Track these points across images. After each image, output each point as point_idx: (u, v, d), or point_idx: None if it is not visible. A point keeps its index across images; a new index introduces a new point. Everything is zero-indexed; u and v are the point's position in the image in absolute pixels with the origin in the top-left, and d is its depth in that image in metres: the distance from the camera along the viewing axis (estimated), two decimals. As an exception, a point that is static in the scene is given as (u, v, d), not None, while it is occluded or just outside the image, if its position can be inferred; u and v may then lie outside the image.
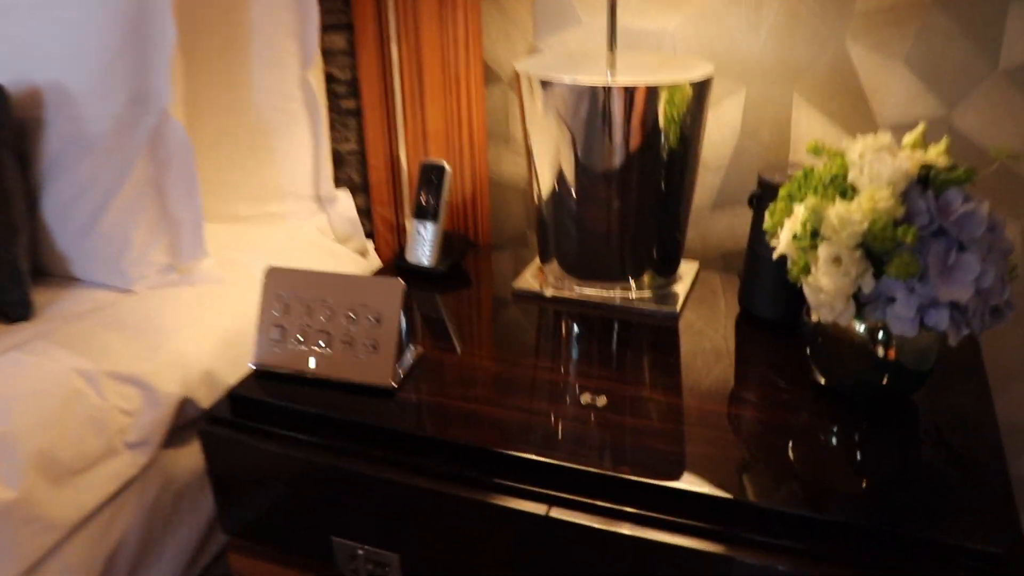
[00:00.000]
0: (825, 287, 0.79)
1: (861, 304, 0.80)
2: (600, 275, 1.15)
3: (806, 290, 0.83)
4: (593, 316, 1.13)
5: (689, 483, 0.78)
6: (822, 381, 0.91)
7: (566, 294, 1.16)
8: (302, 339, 0.97)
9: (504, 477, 0.83)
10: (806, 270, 0.81)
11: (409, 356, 0.99)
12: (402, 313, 0.95)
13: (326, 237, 1.42)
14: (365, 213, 1.54)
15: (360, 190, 1.51)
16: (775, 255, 0.87)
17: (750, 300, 1.07)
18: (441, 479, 0.85)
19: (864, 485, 0.78)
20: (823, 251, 0.78)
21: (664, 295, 1.15)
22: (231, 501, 0.99)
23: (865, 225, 0.75)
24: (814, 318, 0.88)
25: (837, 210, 0.76)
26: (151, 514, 1.02)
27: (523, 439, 0.85)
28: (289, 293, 0.99)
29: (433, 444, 0.87)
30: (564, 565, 0.81)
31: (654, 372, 0.98)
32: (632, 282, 1.14)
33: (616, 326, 1.10)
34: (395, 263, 1.28)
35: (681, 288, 1.17)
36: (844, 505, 0.75)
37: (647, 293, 1.15)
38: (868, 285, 0.77)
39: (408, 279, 1.24)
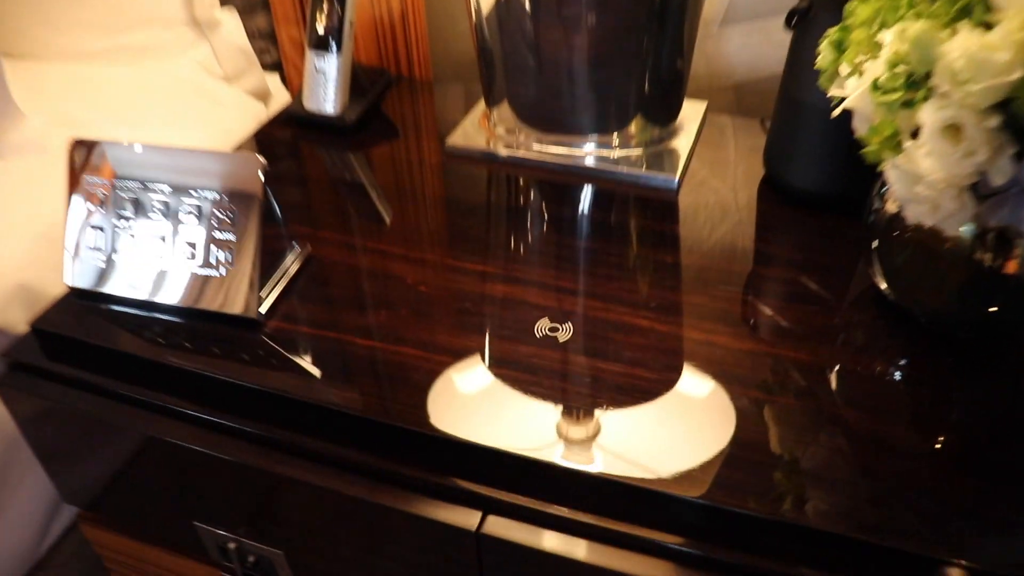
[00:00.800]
0: (928, 173, 0.47)
1: (980, 197, 0.49)
2: (569, 125, 0.82)
3: (891, 175, 0.51)
4: (558, 186, 0.81)
5: (683, 485, 0.50)
6: (884, 286, 0.61)
7: (521, 154, 0.84)
8: (130, 248, 0.66)
9: (416, 468, 0.55)
10: (893, 143, 0.50)
11: (284, 266, 0.69)
12: (264, 204, 0.63)
13: (210, 75, 1.06)
14: (270, 37, 1.18)
15: (260, 6, 1.15)
16: (836, 111, 0.55)
17: (781, 163, 0.75)
18: (320, 466, 0.57)
19: (951, 482, 0.50)
20: (931, 114, 0.46)
21: (659, 154, 0.82)
22: (59, 468, 0.72)
23: (1018, 73, 0.42)
24: (891, 207, 0.57)
25: (963, 44, 0.43)
26: (-34, 479, 0.76)
27: (441, 404, 0.56)
28: (105, 179, 0.67)
29: (307, 411, 0.58)
30: (508, 595, 0.55)
31: (643, 278, 0.68)
32: (614, 135, 0.82)
33: (590, 202, 0.79)
34: (289, 112, 0.94)
35: (683, 142, 0.84)
36: (917, 527, 0.48)
37: (635, 151, 0.82)
38: (1002, 173, 0.46)
39: (307, 133, 0.92)
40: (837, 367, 0.58)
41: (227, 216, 0.63)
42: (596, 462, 0.52)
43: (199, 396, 0.61)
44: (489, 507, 0.53)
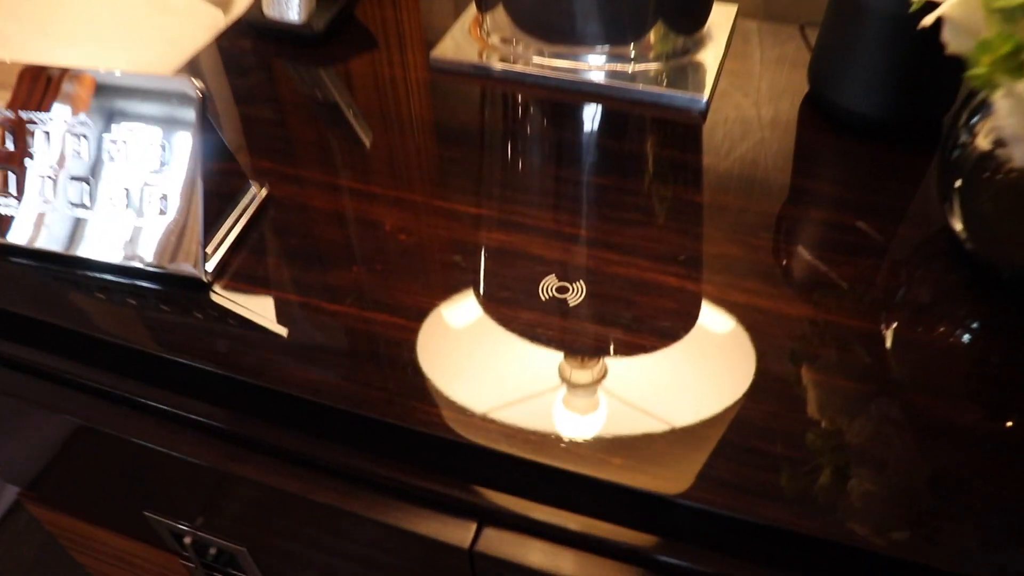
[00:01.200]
0: (1060, 105, 0.36)
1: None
2: (575, 33, 0.69)
3: (1003, 105, 0.40)
4: (564, 108, 0.69)
5: (720, 492, 0.40)
6: (960, 230, 0.51)
7: (519, 68, 0.71)
8: (47, 192, 0.55)
9: (395, 468, 0.45)
10: (1013, 64, 0.38)
11: (237, 210, 0.57)
12: (205, 136, 0.52)
13: (157, -26, 0.92)
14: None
15: None
16: (928, 19, 0.43)
17: (831, 80, 0.63)
18: (280, 463, 0.47)
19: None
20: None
21: (682, 68, 0.70)
22: (-12, 447, 0.62)
23: None
24: (983, 143, 0.46)
25: None
26: None
27: (427, 390, 0.46)
28: (12, 110, 0.55)
29: (263, 397, 0.48)
30: (509, 617, 0.46)
31: (667, 222, 0.57)
32: (630, 46, 0.69)
33: (601, 127, 0.67)
34: (247, 21, 0.80)
35: (711, 54, 0.71)
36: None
37: (654, 65, 0.70)
38: None
39: (268, 45, 0.78)
40: (897, 332, 0.48)
41: (160, 152, 0.52)
42: (620, 466, 0.42)
43: (133, 374, 0.51)
44: (485, 518, 0.44)
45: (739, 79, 0.70)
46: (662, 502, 0.40)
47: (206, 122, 0.51)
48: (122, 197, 0.53)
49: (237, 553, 0.57)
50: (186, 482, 0.53)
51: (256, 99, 0.71)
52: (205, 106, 0.50)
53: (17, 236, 0.55)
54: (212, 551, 0.59)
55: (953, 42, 0.42)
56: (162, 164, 0.52)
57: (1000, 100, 0.40)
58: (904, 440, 0.42)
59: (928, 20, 0.42)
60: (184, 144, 0.51)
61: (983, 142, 0.46)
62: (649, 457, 0.42)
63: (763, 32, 0.77)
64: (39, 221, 0.54)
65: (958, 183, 0.49)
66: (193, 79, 0.50)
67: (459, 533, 0.43)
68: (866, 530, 0.38)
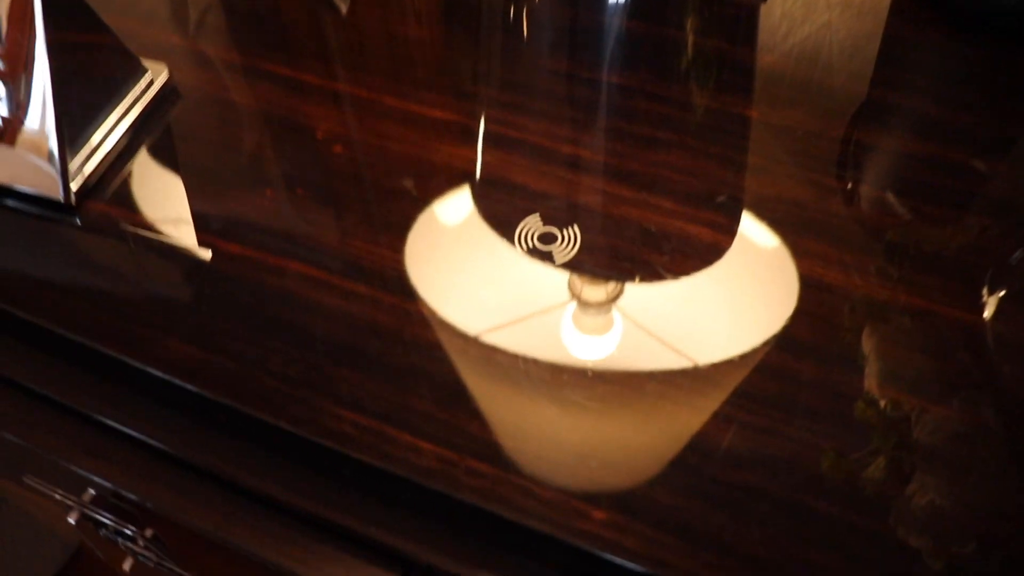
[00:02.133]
0: None
1: None
2: None
3: None
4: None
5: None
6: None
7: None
8: None
9: (296, 491, 0.33)
10: None
11: (121, 106, 0.42)
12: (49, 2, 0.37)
13: None
14: None
15: None
16: None
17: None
18: (145, 465, 0.35)
19: None
20: None
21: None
22: None
23: None
24: None
25: None
26: None
27: (344, 383, 0.33)
28: None
29: (126, 376, 0.35)
30: None
31: (705, 145, 0.41)
32: None
33: (625, 1, 0.50)
34: None
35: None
36: None
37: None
38: None
39: None
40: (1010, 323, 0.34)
41: (-8, 23, 0.37)
42: (603, 522, 0.29)
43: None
44: (412, 571, 0.31)
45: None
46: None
47: (55, -22, 0.36)
48: (-48, 82, 0.38)
49: (139, 534, 0.46)
50: (51, 462, 0.41)
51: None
52: (44, -46, 0.35)
53: None
54: (109, 525, 0.48)
55: None
56: (-3, 38, 0.37)
57: None
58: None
59: None
60: (19, 11, 0.36)
61: None
62: (645, 509, 0.29)
63: None
64: None
65: None
66: (25, -87, 0.35)
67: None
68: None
